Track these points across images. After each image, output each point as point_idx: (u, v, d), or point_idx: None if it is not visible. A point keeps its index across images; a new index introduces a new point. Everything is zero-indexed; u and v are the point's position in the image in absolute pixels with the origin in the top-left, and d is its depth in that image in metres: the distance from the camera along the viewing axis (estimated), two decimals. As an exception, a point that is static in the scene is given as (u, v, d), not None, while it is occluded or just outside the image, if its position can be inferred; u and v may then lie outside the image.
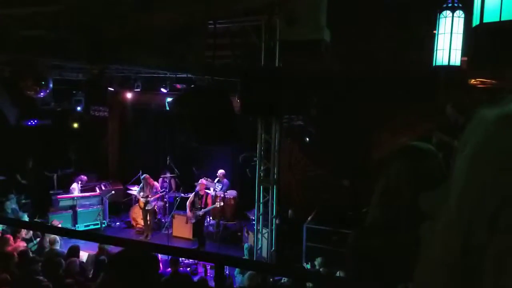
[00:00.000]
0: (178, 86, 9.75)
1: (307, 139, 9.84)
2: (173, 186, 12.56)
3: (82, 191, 11.80)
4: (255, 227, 8.14)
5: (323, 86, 8.83)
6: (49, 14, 5.02)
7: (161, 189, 11.69)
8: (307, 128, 9.58)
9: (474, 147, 0.66)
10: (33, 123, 11.97)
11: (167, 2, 5.06)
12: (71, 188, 11.70)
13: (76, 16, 5.10)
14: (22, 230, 8.16)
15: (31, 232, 8.57)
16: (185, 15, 5.42)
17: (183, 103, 6.67)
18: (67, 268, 6.58)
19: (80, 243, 7.65)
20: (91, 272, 7.21)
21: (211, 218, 11.34)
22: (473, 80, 6.96)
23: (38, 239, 8.36)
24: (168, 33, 6.34)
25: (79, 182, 11.88)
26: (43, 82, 8.12)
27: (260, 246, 8.14)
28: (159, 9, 5.16)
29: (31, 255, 6.96)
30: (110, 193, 12.10)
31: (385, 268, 1.32)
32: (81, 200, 11.38)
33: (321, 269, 7.36)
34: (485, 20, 2.20)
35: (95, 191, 12.11)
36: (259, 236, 8.08)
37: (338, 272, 6.55)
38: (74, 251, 7.18)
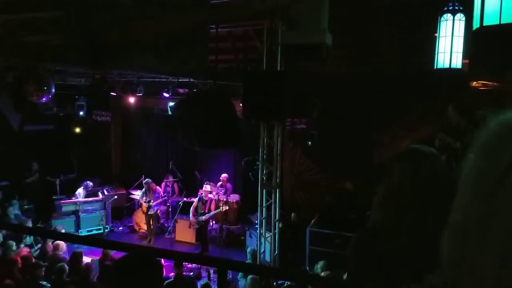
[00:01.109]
0: (181, 90, 9.76)
1: (309, 143, 9.84)
2: (176, 190, 12.57)
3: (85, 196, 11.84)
4: (258, 231, 8.13)
5: (325, 89, 8.85)
6: (52, 20, 5.05)
7: (164, 193, 11.69)
8: (309, 131, 9.58)
9: (479, 149, 0.65)
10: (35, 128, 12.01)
11: (169, 7, 5.09)
12: (76, 193, 11.75)
13: (78, 21, 5.13)
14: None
15: (32, 237, 8.60)
16: (187, 20, 5.45)
17: (186, 107, 6.70)
18: (79, 272, 6.59)
19: (84, 248, 7.66)
20: (95, 277, 7.22)
21: (214, 222, 11.33)
22: (474, 82, 6.97)
23: (39, 244, 8.36)
24: (170, 38, 6.36)
25: (85, 188, 11.90)
26: (45, 87, 8.13)
27: (263, 250, 8.12)
28: (161, 14, 5.19)
29: (33, 260, 6.98)
30: (113, 198, 12.11)
31: (388, 270, 1.32)
32: (84, 205, 11.39)
33: (323, 273, 7.34)
34: (485, 23, 2.21)
35: (97, 196, 12.13)
36: (262, 240, 8.07)
37: (342, 275, 6.54)
38: (77, 257, 7.18)
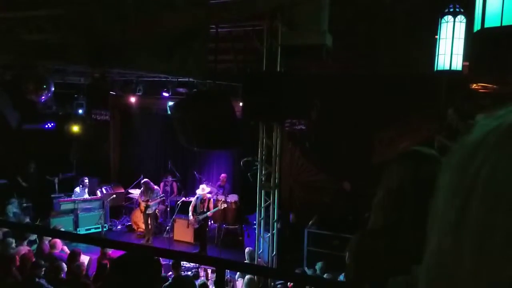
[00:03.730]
0: (180, 90, 9.76)
1: (307, 144, 9.85)
2: (175, 190, 12.56)
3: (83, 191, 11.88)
4: (256, 231, 8.13)
5: (324, 90, 8.85)
6: (51, 18, 5.04)
7: (162, 193, 11.68)
8: (308, 132, 9.59)
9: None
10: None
11: (169, 6, 5.08)
12: (74, 190, 11.79)
13: (78, 20, 5.12)
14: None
15: (34, 235, 8.56)
16: (187, 19, 5.44)
17: (185, 107, 6.69)
18: (73, 272, 6.56)
19: (82, 247, 7.65)
20: (93, 276, 7.20)
21: (212, 222, 11.33)
22: (474, 84, 6.97)
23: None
24: (170, 37, 6.35)
25: (81, 185, 11.93)
26: (44, 86, 8.11)
27: (261, 250, 8.12)
28: (161, 13, 5.18)
29: (33, 259, 6.95)
30: (112, 197, 12.10)
31: (388, 272, 1.32)
32: (82, 203, 11.39)
33: (325, 275, 7.34)
34: (486, 25, 2.20)
35: (96, 194, 12.12)
36: (260, 240, 8.07)
37: (339, 277, 6.54)
38: (75, 255, 7.15)
